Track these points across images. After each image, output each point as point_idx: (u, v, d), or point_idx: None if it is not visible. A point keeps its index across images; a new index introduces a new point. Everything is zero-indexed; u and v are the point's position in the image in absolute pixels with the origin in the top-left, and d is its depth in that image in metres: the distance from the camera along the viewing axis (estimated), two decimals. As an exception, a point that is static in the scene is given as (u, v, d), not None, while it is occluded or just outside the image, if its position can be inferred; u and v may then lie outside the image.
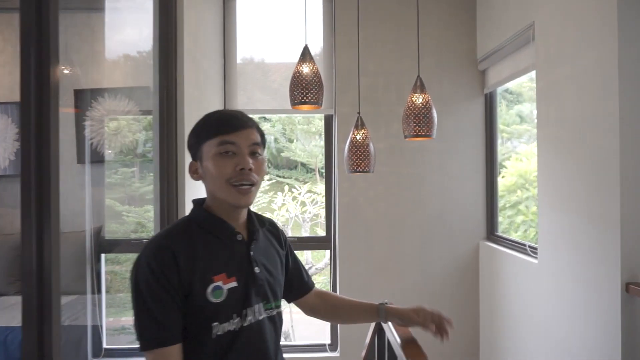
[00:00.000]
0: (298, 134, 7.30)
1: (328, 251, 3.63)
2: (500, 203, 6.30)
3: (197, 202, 1.16)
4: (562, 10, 2.22)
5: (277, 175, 7.50)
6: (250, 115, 1.16)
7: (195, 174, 1.13)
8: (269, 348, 1.13)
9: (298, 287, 1.33)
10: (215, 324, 1.03)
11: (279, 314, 1.19)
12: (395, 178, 3.35)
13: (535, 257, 2.54)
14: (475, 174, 3.38)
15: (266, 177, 7.18)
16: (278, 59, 3.52)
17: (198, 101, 2.58)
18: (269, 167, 7.73)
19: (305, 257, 6.17)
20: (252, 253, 1.13)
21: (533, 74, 2.55)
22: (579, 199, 2.11)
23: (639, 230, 1.82)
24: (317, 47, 3.47)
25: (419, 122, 2.20)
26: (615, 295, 1.84)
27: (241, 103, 3.43)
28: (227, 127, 1.08)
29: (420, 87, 2.28)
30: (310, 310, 1.37)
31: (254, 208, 1.32)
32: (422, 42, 3.32)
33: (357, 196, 3.34)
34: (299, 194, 6.11)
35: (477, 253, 3.37)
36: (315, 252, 6.21)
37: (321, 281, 5.72)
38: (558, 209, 2.30)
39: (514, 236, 3.59)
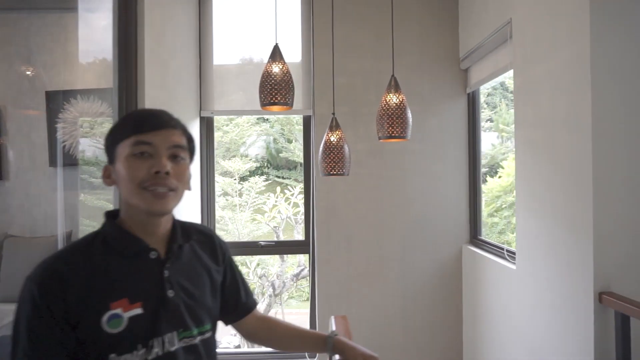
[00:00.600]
0: (297, 134, 7.24)
1: (305, 256, 3.54)
2: (497, 204, 6.20)
3: (109, 214, 1.02)
4: (538, 7, 2.13)
5: (277, 176, 7.45)
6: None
7: (107, 179, 1.00)
8: None
9: (234, 309, 1.19)
10: (113, 355, 0.90)
11: (206, 341, 1.05)
12: (376, 180, 3.27)
13: (514, 263, 2.45)
14: (458, 176, 3.28)
15: (261, 177, 7.13)
16: (257, 58, 3.45)
17: (164, 102, 2.50)
18: (268, 168, 7.67)
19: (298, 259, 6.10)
20: (166, 274, 0.99)
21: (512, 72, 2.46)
22: (554, 205, 2.02)
23: (612, 237, 1.73)
24: (296, 47, 3.39)
25: (392, 123, 2.13)
26: (588, 306, 1.76)
27: (218, 104, 3.35)
28: (144, 126, 0.96)
29: (394, 86, 2.20)
30: (248, 335, 1.25)
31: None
32: (403, 41, 3.24)
33: (335, 199, 3.26)
34: (292, 194, 6.03)
35: (460, 257, 3.28)
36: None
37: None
38: (534, 214, 2.21)
39: (512, 237, 3.50)
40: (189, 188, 1.04)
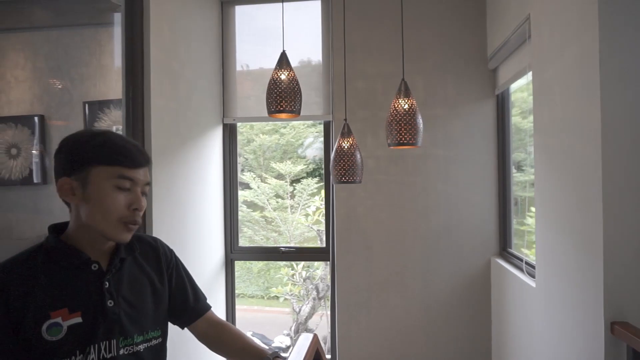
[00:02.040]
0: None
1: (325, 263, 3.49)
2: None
3: (53, 229, 1.07)
4: (551, 0, 1.93)
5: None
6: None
7: (71, 195, 1.00)
8: None
9: (182, 313, 1.21)
10: None
11: (153, 348, 1.09)
12: (397, 187, 3.14)
13: (534, 279, 2.24)
14: (486, 183, 3.07)
15: (314, 179, 7.16)
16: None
17: (175, 111, 2.57)
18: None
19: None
20: (106, 285, 1.03)
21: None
22: (567, 219, 1.82)
23: (627, 260, 1.52)
24: (317, 53, 3.34)
25: (401, 129, 2.05)
26: (599, 336, 1.55)
27: (241, 110, 3.40)
28: (130, 161, 1.01)
29: (404, 91, 2.12)
30: (201, 339, 1.25)
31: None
32: (426, 41, 3.09)
33: (355, 206, 3.18)
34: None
35: (489, 270, 3.07)
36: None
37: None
38: (551, 228, 2.00)
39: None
40: None
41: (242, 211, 7.79)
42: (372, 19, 3.15)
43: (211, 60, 3.20)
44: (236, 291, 3.57)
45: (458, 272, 3.09)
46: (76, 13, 3.41)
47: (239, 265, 8.64)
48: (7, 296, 0.94)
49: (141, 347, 1.07)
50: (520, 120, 2.93)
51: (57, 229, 1.07)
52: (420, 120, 2.02)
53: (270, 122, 7.98)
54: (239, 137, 8.55)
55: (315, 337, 1.47)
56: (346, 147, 2.43)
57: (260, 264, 8.48)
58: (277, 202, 8.02)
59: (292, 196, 8.06)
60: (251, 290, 8.45)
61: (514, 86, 2.82)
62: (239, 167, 8.61)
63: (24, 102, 3.69)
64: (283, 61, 1.96)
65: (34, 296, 0.96)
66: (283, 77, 1.98)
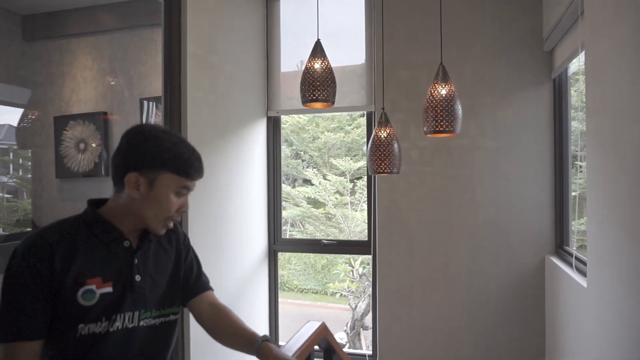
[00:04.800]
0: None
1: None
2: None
3: (92, 203, 1.14)
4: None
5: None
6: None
7: (135, 189, 1.07)
8: (137, 356, 1.12)
9: (183, 288, 1.26)
10: (82, 325, 1.03)
11: (168, 324, 1.18)
12: (441, 180, 2.99)
13: (585, 278, 2.03)
14: (540, 176, 2.83)
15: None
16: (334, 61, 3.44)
17: (214, 104, 2.65)
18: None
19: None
20: (135, 261, 1.12)
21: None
22: (620, 213, 1.61)
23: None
24: (360, 44, 3.27)
25: (436, 116, 1.95)
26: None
27: (285, 103, 3.43)
28: (194, 175, 1.12)
29: (443, 76, 2.03)
30: (198, 319, 1.28)
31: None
32: (475, 25, 2.92)
33: (397, 199, 3.08)
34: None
35: (543, 269, 2.82)
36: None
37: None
38: (603, 223, 1.79)
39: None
40: None
41: (303, 207, 7.91)
42: (415, 7, 3.03)
43: (254, 54, 3.25)
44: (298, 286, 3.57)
45: (507, 271, 2.88)
46: (134, 15, 3.64)
47: (300, 260, 8.76)
48: (54, 256, 1.02)
49: (157, 321, 1.15)
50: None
51: (96, 204, 1.15)
52: (459, 107, 1.91)
53: (335, 119, 8.00)
54: (304, 135, 8.61)
55: (322, 325, 1.44)
56: (383, 136, 2.35)
57: (324, 260, 8.54)
58: (337, 198, 8.02)
59: (353, 193, 8.02)
60: (311, 285, 8.54)
61: (577, 70, 2.57)
62: (304, 164, 8.70)
63: (90, 100, 4.00)
64: (317, 50, 1.93)
65: (75, 262, 1.04)
66: (317, 66, 1.97)
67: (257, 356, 1.15)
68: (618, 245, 1.64)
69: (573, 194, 2.66)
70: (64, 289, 1.02)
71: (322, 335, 1.41)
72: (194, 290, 1.26)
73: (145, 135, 1.10)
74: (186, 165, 1.10)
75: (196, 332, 2.38)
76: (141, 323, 1.12)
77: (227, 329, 1.23)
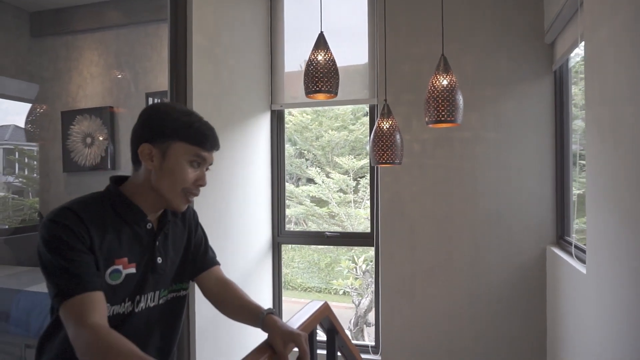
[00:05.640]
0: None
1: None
2: None
3: (115, 180, 1.14)
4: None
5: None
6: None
7: (149, 160, 1.09)
8: (154, 332, 1.16)
9: (193, 263, 1.29)
10: (107, 305, 1.02)
11: (178, 298, 1.22)
12: (443, 172, 3.02)
13: (584, 265, 2.05)
14: (541, 167, 2.85)
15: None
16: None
17: (217, 96, 2.69)
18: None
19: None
20: (157, 243, 1.14)
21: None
22: (619, 201, 1.64)
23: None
24: (363, 37, 3.31)
25: (438, 106, 1.98)
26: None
27: (289, 97, 3.47)
28: (208, 144, 1.12)
29: (444, 67, 2.06)
30: (206, 294, 1.31)
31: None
32: (477, 18, 2.94)
33: (400, 191, 3.11)
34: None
35: (544, 260, 2.85)
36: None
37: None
38: (602, 211, 1.82)
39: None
40: None
41: (306, 205, 7.94)
42: (417, 0, 3.06)
43: (258, 49, 3.29)
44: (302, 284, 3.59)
45: (509, 261, 2.90)
46: (140, 11, 3.68)
47: (304, 259, 8.79)
48: (89, 230, 1.01)
49: (170, 296, 1.20)
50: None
51: (117, 180, 1.16)
52: (460, 97, 1.94)
53: (339, 118, 8.01)
54: (307, 135, 8.62)
55: (325, 304, 1.47)
56: (386, 127, 2.38)
57: (327, 258, 8.57)
58: (340, 196, 8.04)
59: (356, 191, 8.04)
60: (314, 283, 8.57)
61: (578, 69, 2.59)
62: (308, 163, 8.70)
63: (96, 95, 4.05)
64: (321, 42, 1.96)
65: (106, 239, 1.04)
66: (320, 58, 2.00)
67: (262, 328, 1.17)
68: (616, 231, 1.67)
69: (576, 192, 2.68)
70: (97, 264, 1.01)
71: (325, 314, 1.44)
72: (202, 265, 1.29)
73: (157, 109, 1.14)
74: (197, 133, 1.10)
75: (201, 319, 2.42)
76: (161, 301, 1.16)
77: (233, 303, 1.26)
